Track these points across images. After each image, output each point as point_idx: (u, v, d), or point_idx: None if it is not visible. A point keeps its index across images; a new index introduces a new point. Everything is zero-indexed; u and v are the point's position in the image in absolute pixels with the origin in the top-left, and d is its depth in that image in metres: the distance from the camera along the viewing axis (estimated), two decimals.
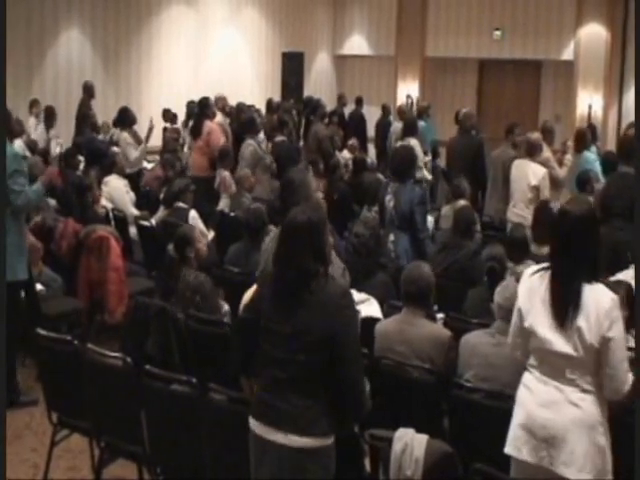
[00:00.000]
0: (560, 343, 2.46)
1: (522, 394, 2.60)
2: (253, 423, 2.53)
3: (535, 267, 2.63)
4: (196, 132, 8.18)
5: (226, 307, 4.26)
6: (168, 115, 10.64)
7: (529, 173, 6.43)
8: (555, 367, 2.49)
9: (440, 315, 3.98)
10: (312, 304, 2.41)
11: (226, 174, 7.39)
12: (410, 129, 8.08)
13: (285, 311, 2.44)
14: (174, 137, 9.42)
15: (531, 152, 6.53)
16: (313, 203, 2.76)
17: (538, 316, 2.52)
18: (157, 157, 8.92)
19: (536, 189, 6.39)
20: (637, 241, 2.34)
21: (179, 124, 10.31)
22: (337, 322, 2.40)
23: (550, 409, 2.49)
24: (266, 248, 3.93)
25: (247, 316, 2.64)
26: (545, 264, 2.59)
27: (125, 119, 8.27)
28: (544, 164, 6.76)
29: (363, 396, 2.49)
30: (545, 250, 4.94)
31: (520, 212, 6.49)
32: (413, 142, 7.76)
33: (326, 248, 2.51)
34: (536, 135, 6.65)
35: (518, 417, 2.57)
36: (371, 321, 3.65)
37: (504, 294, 3.33)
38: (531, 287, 2.57)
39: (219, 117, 8.71)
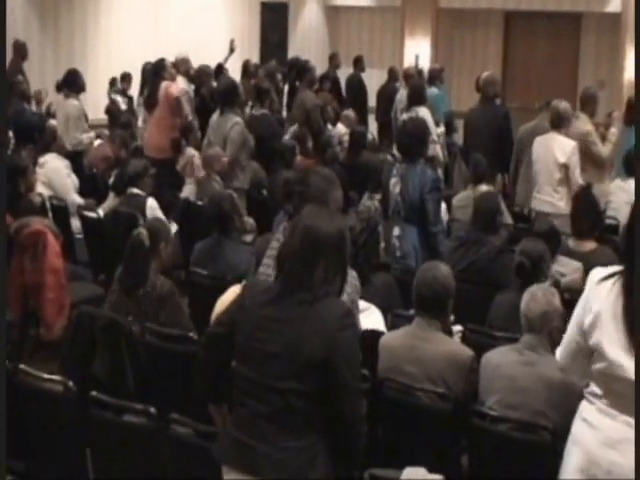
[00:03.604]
0: (633, 368, 2.42)
1: (580, 429, 2.56)
2: (224, 469, 2.52)
3: (605, 271, 2.58)
4: (151, 101, 8.12)
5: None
6: (126, 79, 10.63)
7: (555, 148, 6.44)
8: (626, 397, 2.45)
9: (457, 327, 3.99)
10: (309, 318, 2.42)
11: (194, 153, 7.36)
12: (417, 96, 8.06)
13: (274, 325, 2.45)
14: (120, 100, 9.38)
15: (558, 124, 6.52)
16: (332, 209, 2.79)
17: (608, 334, 2.48)
18: (105, 132, 8.90)
19: (565, 167, 6.39)
20: (637, 239, 2.36)
21: (136, 94, 10.29)
22: (337, 343, 2.41)
23: (617, 450, 2.45)
24: (258, 250, 3.93)
25: (220, 331, 2.64)
26: (617, 268, 2.56)
27: (73, 83, 8.23)
28: (584, 139, 6.78)
29: (362, 437, 2.50)
30: (588, 246, 4.96)
31: (547, 198, 6.49)
32: (422, 112, 7.75)
33: (347, 264, 2.56)
34: (564, 104, 6.66)
35: (575, 459, 2.54)
36: (372, 334, 3.65)
37: (532, 301, 3.34)
38: (599, 297, 2.53)
39: (182, 83, 8.66)
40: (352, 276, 3.04)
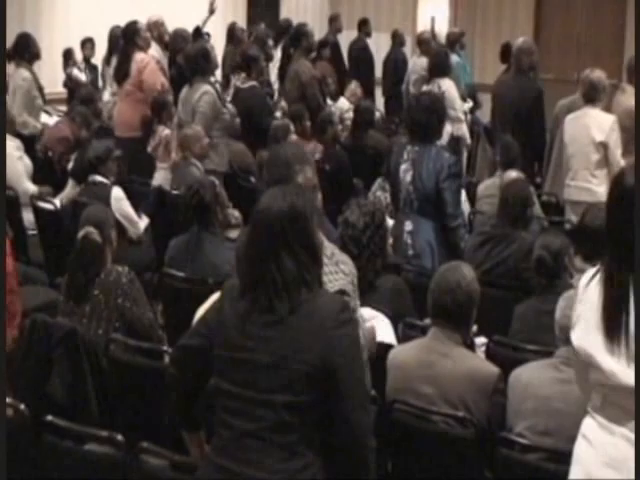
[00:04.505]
0: (627, 373, 2.48)
1: (580, 448, 2.63)
2: None
3: (592, 270, 2.64)
4: (122, 71, 8.13)
5: None
6: (88, 45, 10.61)
7: (591, 125, 6.47)
8: (623, 407, 2.52)
9: (481, 339, 3.99)
10: (299, 322, 2.45)
11: (167, 133, 7.36)
12: (440, 66, 8.07)
13: (259, 333, 2.47)
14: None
15: (592, 97, 6.55)
16: (296, 184, 2.79)
17: (596, 341, 2.54)
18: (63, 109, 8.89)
19: (603, 147, 6.40)
20: (637, 241, 2.47)
21: (100, 62, 10.29)
22: (335, 346, 2.44)
23: (618, 470, 2.51)
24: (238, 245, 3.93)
25: (194, 342, 2.66)
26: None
27: (25, 50, 8.23)
28: (631, 117, 6.78)
29: (370, 455, 2.52)
30: None
31: (583, 184, 6.51)
32: (447, 84, 7.74)
33: (316, 246, 2.57)
34: (598, 73, 6.68)
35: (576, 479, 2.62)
36: (380, 348, 3.65)
37: (568, 308, 3.32)
38: (586, 301, 2.60)
39: (154, 50, 8.69)
40: (345, 262, 3.03)
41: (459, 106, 8.02)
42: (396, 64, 11.05)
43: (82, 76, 10.27)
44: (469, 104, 8.97)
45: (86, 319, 4.06)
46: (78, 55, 10.71)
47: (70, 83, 9.91)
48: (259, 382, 2.46)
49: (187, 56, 8.04)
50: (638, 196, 2.50)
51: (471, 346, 3.71)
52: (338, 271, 2.94)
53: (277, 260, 2.47)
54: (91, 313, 4.08)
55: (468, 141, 8.46)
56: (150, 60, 8.15)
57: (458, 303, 3.47)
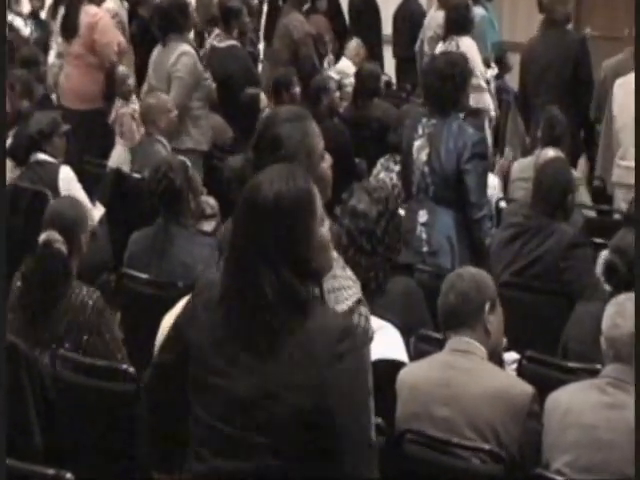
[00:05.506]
0: None
1: None
2: None
3: None
4: (69, 27, 8.09)
5: None
6: None
7: None
8: None
9: (512, 355, 4.00)
10: (290, 349, 2.41)
11: (129, 105, 7.36)
12: (460, 21, 8.08)
13: (239, 358, 2.45)
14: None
15: None
16: (296, 167, 2.73)
17: None
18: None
19: None
20: (638, 240, 2.43)
21: (43, 15, 10.29)
22: (332, 385, 2.41)
23: None
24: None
25: (170, 358, 2.65)
26: None
27: None
28: None
29: None
30: None
31: (634, 164, 6.52)
32: (467, 43, 7.73)
33: (310, 256, 2.49)
34: None
35: None
36: (389, 366, 3.64)
37: (618, 316, 3.33)
38: None
39: (110, 0, 8.66)
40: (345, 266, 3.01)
41: (480, 71, 7.99)
42: (412, 18, 10.96)
43: (25, 30, 10.24)
44: (493, 70, 8.94)
45: (40, 345, 4.04)
46: (26, 7, 10.70)
47: (10, 35, 9.85)
48: (238, 417, 2.44)
49: (159, 10, 8.02)
50: (638, 197, 2.53)
51: (500, 363, 3.70)
52: (347, 277, 2.88)
53: (255, 277, 2.42)
54: (46, 339, 4.05)
55: (492, 113, 8.42)
56: (104, 14, 8.10)
57: (463, 295, 3.49)
